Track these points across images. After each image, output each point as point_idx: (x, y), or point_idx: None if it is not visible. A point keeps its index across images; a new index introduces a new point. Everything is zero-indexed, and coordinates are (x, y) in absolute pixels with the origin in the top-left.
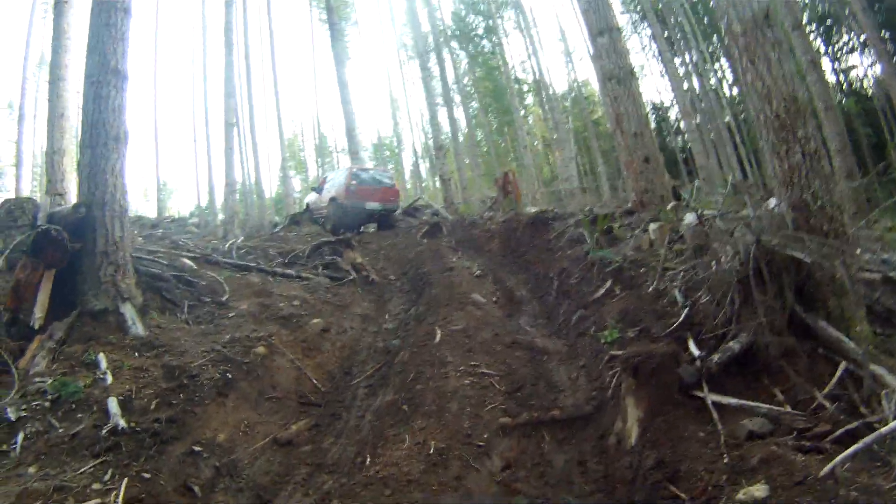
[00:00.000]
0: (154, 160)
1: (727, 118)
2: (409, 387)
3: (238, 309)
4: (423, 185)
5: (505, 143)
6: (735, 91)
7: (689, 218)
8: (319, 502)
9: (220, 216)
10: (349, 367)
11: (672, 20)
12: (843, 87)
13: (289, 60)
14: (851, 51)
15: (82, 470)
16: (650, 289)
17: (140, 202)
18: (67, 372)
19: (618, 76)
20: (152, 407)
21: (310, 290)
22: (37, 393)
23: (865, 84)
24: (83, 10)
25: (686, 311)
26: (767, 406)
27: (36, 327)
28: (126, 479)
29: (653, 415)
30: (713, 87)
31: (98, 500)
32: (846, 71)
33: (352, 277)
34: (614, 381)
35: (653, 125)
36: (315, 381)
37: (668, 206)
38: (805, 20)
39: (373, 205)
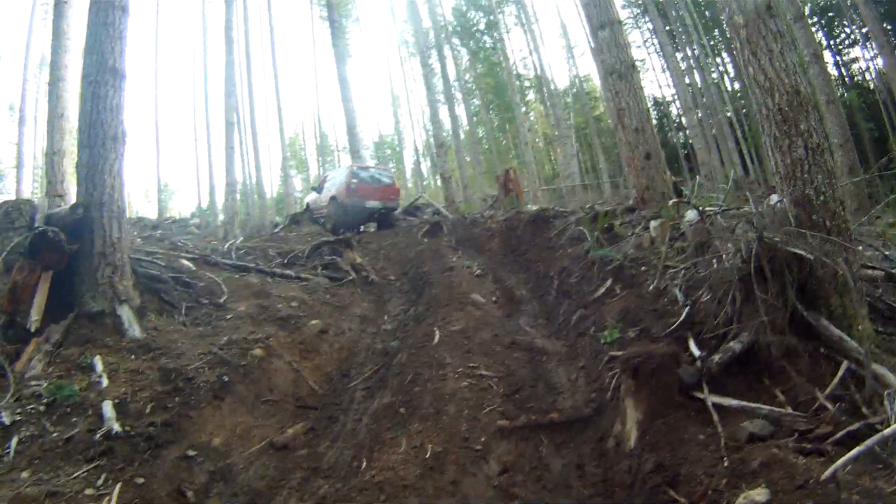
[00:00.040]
0: (155, 161)
1: (729, 113)
2: (407, 389)
3: (236, 310)
4: (425, 183)
5: (506, 140)
6: (737, 85)
7: (691, 215)
8: None
9: (221, 217)
10: (347, 369)
11: (673, 14)
12: (845, 80)
13: (289, 59)
14: (853, 43)
15: (76, 475)
16: (651, 287)
17: (141, 203)
18: (63, 375)
19: (619, 71)
20: (147, 410)
21: (308, 291)
22: (32, 396)
23: (867, 77)
24: (83, 11)
25: (687, 310)
26: (768, 407)
27: (32, 330)
28: (119, 485)
29: (652, 417)
30: (715, 82)
31: None
32: (848, 64)
33: (351, 278)
34: (614, 382)
35: (654, 121)
36: (312, 384)
37: (670, 203)
38: (807, 12)
39: (373, 203)
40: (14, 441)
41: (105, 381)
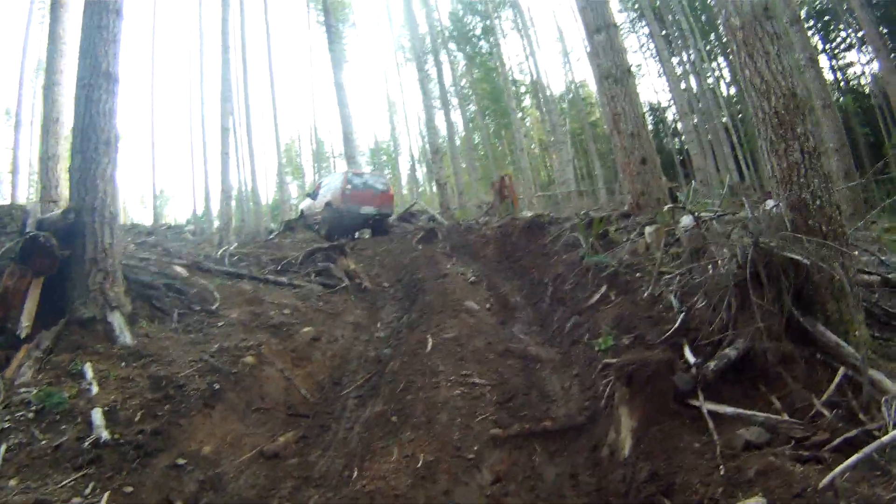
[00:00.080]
0: (151, 167)
1: (724, 118)
2: (399, 397)
3: (228, 317)
4: (421, 189)
5: (502, 146)
6: (733, 91)
7: (686, 220)
8: None
9: (216, 223)
10: (339, 377)
11: (670, 18)
12: (841, 84)
13: (286, 65)
14: (849, 48)
15: (63, 483)
16: (645, 294)
17: (136, 209)
18: (53, 382)
19: (615, 75)
20: (137, 418)
21: (301, 298)
22: (21, 403)
23: (863, 82)
24: (79, 15)
25: (682, 316)
26: (765, 414)
27: (23, 336)
28: (108, 493)
29: (647, 425)
30: (711, 87)
31: None
32: (844, 68)
33: (344, 284)
34: (608, 390)
35: (650, 126)
36: (304, 392)
37: (665, 209)
38: (803, 15)
39: (368, 209)
40: (2, 449)
41: (95, 389)
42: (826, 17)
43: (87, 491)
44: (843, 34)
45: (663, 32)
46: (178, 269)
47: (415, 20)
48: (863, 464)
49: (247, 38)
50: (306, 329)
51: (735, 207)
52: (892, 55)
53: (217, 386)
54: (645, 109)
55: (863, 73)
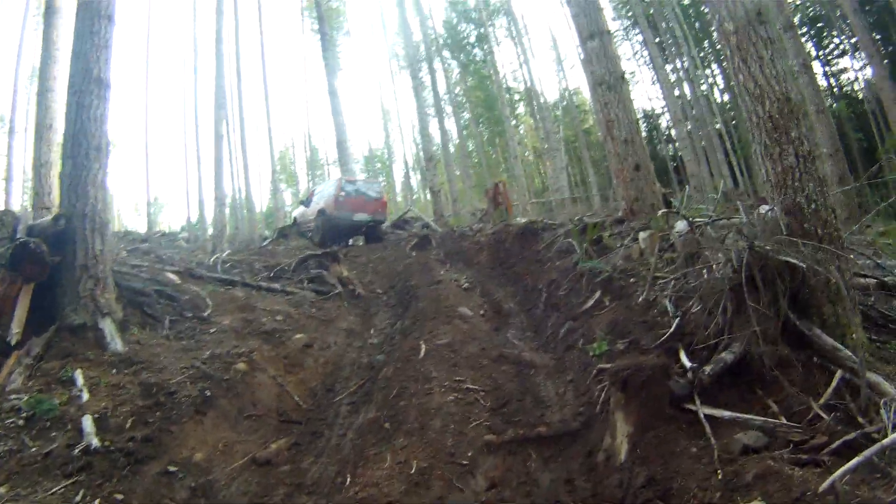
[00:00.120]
0: (144, 174)
1: (718, 125)
2: (392, 403)
3: (220, 324)
4: (415, 197)
5: (496, 153)
6: (726, 97)
7: (680, 225)
8: None
9: (211, 230)
10: (332, 384)
11: (663, 26)
12: (834, 90)
13: (280, 73)
14: (842, 54)
15: (54, 490)
16: (640, 299)
17: (131, 217)
18: (44, 389)
19: (608, 82)
20: (128, 425)
21: (294, 305)
22: (11, 410)
23: (856, 87)
24: (73, 21)
25: (677, 321)
26: (762, 418)
27: (13, 343)
28: (98, 501)
29: (643, 430)
30: (704, 94)
31: None
32: (837, 74)
33: (338, 291)
34: (603, 395)
35: (644, 133)
36: (297, 398)
37: (659, 214)
38: (796, 22)
39: (361, 216)
40: None
41: (85, 396)
42: (819, 24)
43: (78, 498)
44: (836, 40)
45: (657, 40)
46: (170, 275)
47: (409, 28)
48: (863, 467)
49: (241, 45)
50: (299, 335)
51: (729, 213)
52: (885, 61)
53: (208, 393)
54: (639, 116)
55: (856, 78)
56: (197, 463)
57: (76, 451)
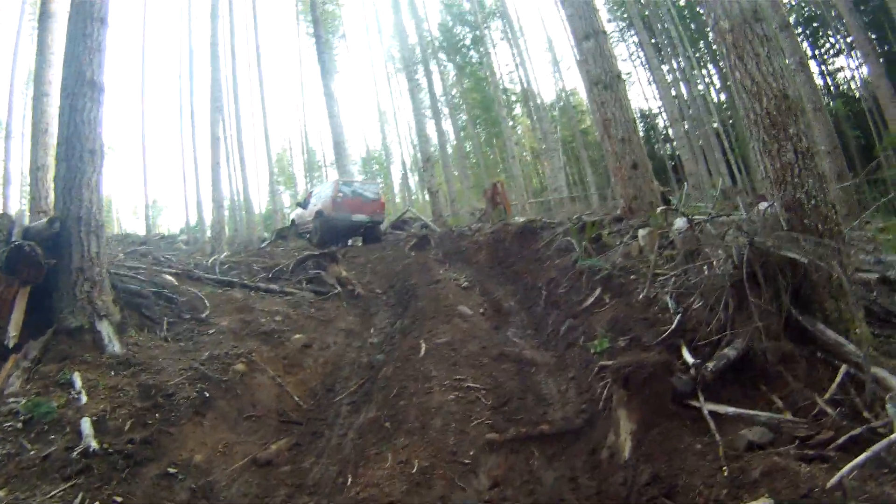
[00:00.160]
0: (142, 177)
1: (715, 124)
2: (392, 403)
3: (218, 325)
4: (413, 197)
5: (494, 154)
6: (723, 97)
7: (679, 223)
8: None
9: (209, 233)
10: (332, 384)
11: (659, 27)
12: (831, 89)
13: (276, 75)
14: (838, 53)
15: (52, 494)
16: (641, 296)
17: (129, 220)
18: (42, 392)
19: (604, 81)
20: (126, 427)
21: (293, 305)
22: (9, 414)
23: (853, 86)
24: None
25: (678, 317)
26: (767, 414)
27: (10, 346)
28: None
29: (646, 427)
30: (701, 93)
31: None
32: (833, 73)
33: (336, 291)
34: (605, 392)
35: (641, 132)
36: (297, 399)
37: (658, 211)
38: (792, 22)
39: (359, 217)
40: None
41: (84, 398)
42: (815, 24)
43: (77, 501)
44: (831, 40)
45: (652, 41)
46: (168, 277)
47: (404, 31)
48: (870, 462)
49: (236, 49)
50: (298, 336)
51: (728, 210)
52: (881, 60)
53: (207, 394)
54: (636, 116)
55: (852, 77)
56: (197, 464)
57: (75, 453)
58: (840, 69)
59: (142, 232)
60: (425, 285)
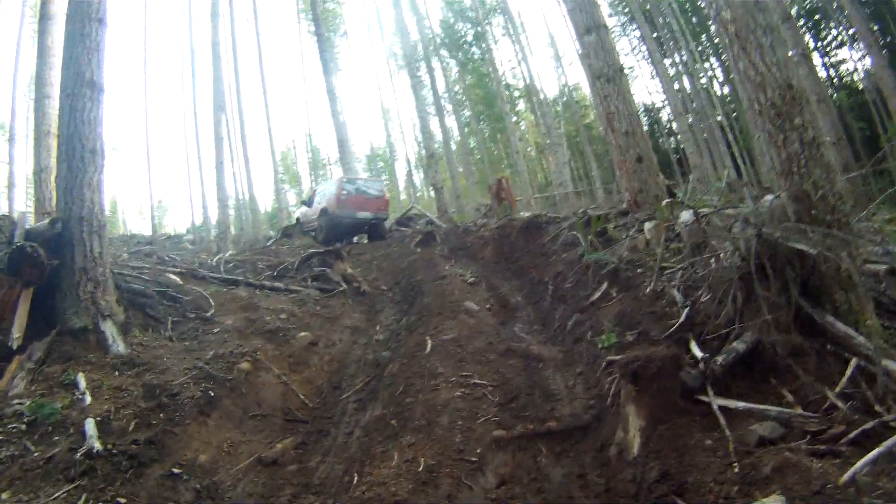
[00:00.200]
0: (147, 178)
1: (719, 117)
2: (398, 400)
3: (223, 324)
4: (418, 194)
5: (498, 149)
6: (726, 90)
7: (686, 215)
8: None
9: (215, 232)
10: (338, 382)
11: (660, 21)
12: (834, 81)
13: (279, 75)
14: (840, 45)
15: (56, 495)
16: (648, 290)
17: (135, 220)
18: (46, 393)
19: (607, 74)
20: (131, 428)
21: (298, 303)
22: (14, 415)
23: (856, 78)
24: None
25: (686, 311)
26: (777, 408)
27: (14, 347)
28: None
29: (655, 423)
30: (704, 87)
31: None
32: (836, 66)
33: (342, 289)
34: (613, 388)
35: (645, 126)
36: (302, 397)
37: (663, 204)
38: (793, 14)
39: (364, 214)
40: None
41: (88, 399)
42: (816, 16)
43: (80, 503)
44: (834, 32)
45: (654, 35)
46: (173, 276)
47: (406, 28)
48: (883, 457)
49: (238, 48)
50: (303, 334)
51: (735, 202)
52: (884, 51)
53: (212, 393)
54: (639, 110)
55: (855, 69)
56: (201, 464)
57: (78, 455)
58: (843, 61)
59: (148, 232)
60: (431, 281)
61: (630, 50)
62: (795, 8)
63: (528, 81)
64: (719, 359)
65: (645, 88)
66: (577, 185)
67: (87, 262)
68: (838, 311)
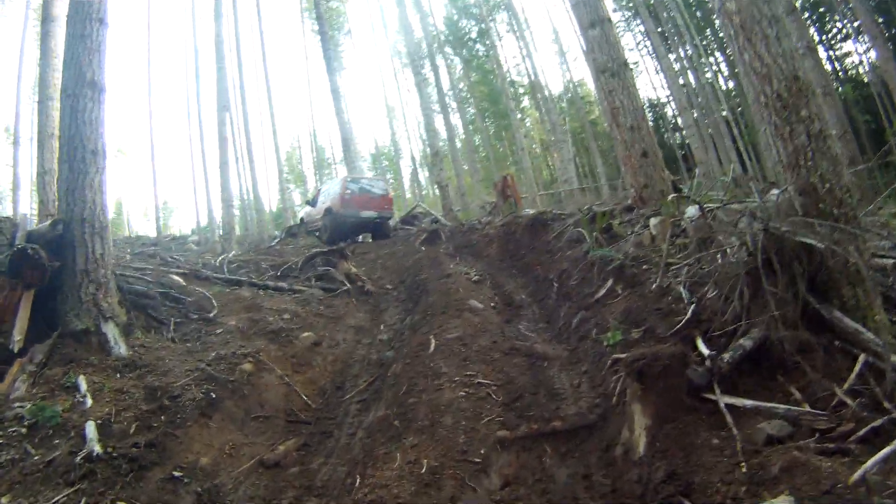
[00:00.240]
0: (152, 179)
1: (724, 112)
2: (402, 401)
3: (226, 325)
4: (423, 192)
5: (503, 146)
6: (731, 84)
7: (691, 211)
8: None
9: (220, 233)
10: (341, 382)
11: (665, 15)
12: (839, 74)
13: (283, 75)
14: (846, 38)
15: (55, 499)
16: (653, 286)
17: (140, 222)
18: (47, 396)
19: (611, 69)
20: (132, 431)
21: (301, 303)
22: (14, 419)
23: (861, 71)
24: None
25: (692, 307)
26: (785, 406)
27: (15, 350)
28: None
29: (662, 422)
30: (709, 81)
31: None
32: (841, 58)
33: (346, 288)
34: (619, 386)
35: (650, 121)
36: (305, 398)
37: (669, 199)
38: (798, 6)
39: (368, 213)
40: None
41: (89, 401)
42: (821, 9)
43: None
44: (838, 25)
45: (659, 30)
46: (175, 277)
47: (409, 26)
48: (893, 455)
49: (241, 48)
50: (306, 334)
51: (741, 197)
52: (889, 44)
53: (214, 395)
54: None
55: (860, 62)
56: (203, 467)
57: (78, 458)
58: (848, 54)
59: (153, 234)
60: (436, 280)
61: (634, 45)
62: (800, 1)
63: (532, 78)
64: (726, 356)
65: (650, 84)
66: (582, 181)
67: (89, 264)
68: (846, 306)
